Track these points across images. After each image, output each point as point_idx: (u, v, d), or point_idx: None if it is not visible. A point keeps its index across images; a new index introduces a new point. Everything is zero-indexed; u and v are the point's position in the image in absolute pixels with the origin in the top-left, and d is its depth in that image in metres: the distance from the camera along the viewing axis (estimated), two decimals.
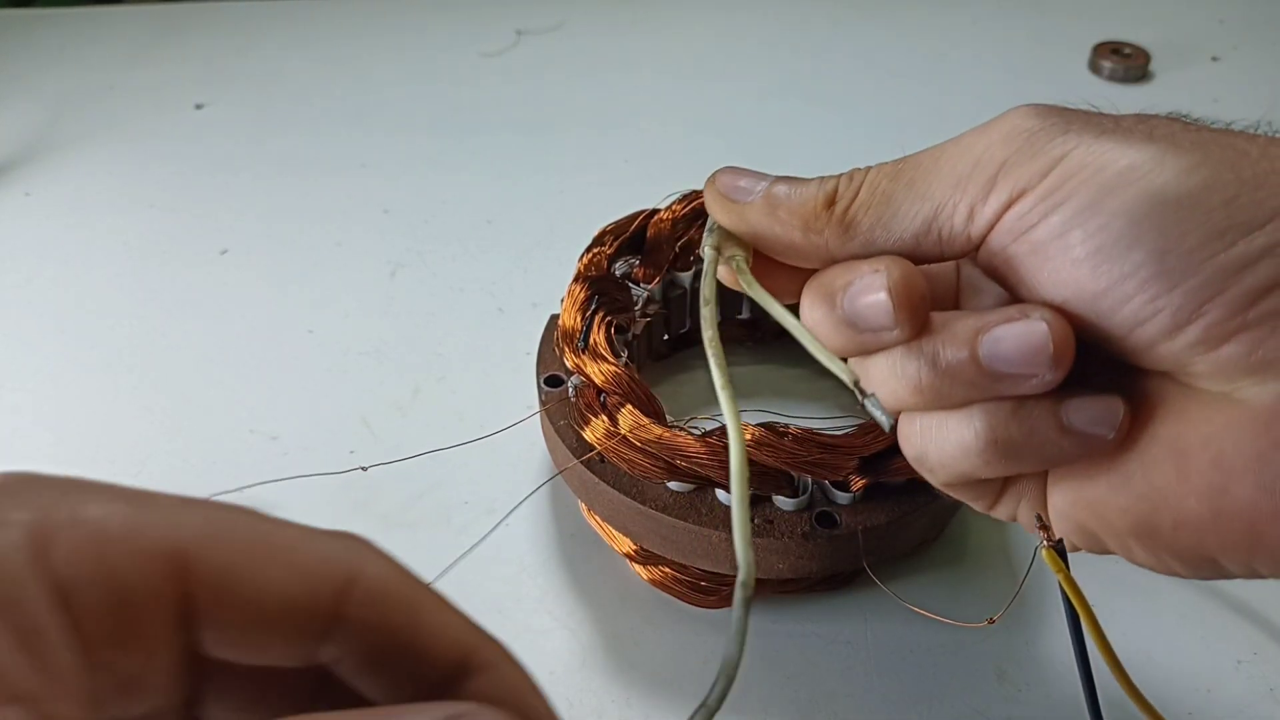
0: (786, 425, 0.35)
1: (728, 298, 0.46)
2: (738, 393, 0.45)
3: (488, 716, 0.16)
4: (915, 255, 0.25)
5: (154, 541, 0.16)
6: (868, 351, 0.25)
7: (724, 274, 0.28)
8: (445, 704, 0.16)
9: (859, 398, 0.24)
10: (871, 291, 0.24)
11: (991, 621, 0.33)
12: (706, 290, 0.27)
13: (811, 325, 0.26)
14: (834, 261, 0.26)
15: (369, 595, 0.18)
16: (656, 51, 0.79)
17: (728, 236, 0.28)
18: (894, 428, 0.25)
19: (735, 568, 0.35)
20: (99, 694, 0.15)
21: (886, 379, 0.25)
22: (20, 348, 0.51)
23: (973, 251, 0.25)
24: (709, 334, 0.25)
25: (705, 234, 0.29)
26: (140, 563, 0.16)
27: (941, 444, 0.25)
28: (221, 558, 0.17)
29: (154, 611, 0.16)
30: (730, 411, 0.24)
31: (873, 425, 0.35)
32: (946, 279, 0.29)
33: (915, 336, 0.24)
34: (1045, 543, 0.26)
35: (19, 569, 0.15)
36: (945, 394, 0.24)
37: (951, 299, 0.29)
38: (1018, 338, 0.23)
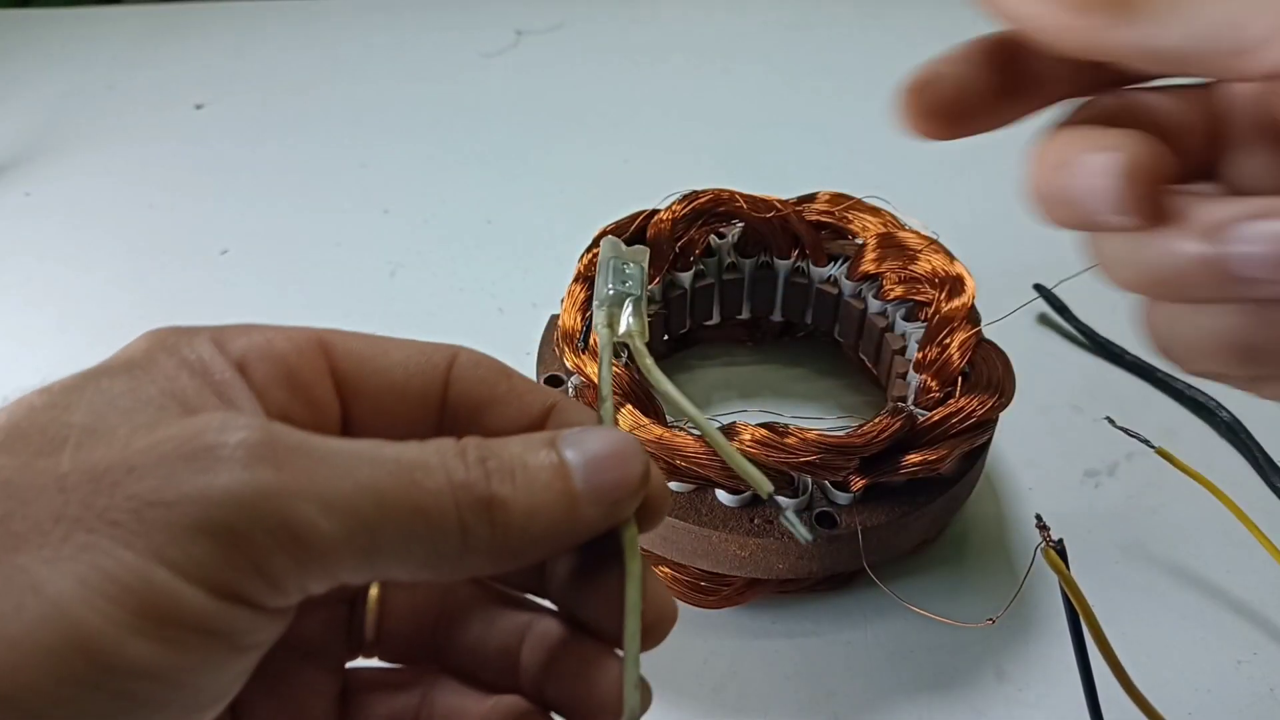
0: (786, 425, 0.35)
1: (728, 296, 0.46)
2: (739, 393, 0.44)
3: (596, 431, 0.21)
4: (1187, 67, 0.20)
5: (301, 333, 0.22)
6: (1093, 229, 0.21)
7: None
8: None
9: (776, 509, 0.23)
10: (1102, 174, 0.19)
11: (992, 622, 0.33)
12: (604, 383, 0.23)
13: (1038, 190, 0.21)
14: (1089, 57, 0.20)
15: (470, 360, 0.23)
16: (656, 52, 0.79)
17: (619, 302, 0.25)
18: (813, 541, 0.24)
19: (735, 568, 0.36)
20: None
21: (1119, 262, 0.21)
22: (19, 348, 0.51)
23: (1263, 81, 0.19)
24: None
25: (595, 306, 0.26)
26: (295, 344, 0.22)
27: (1186, 339, 0.22)
28: (354, 343, 0.22)
29: (313, 375, 0.22)
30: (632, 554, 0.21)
31: (874, 426, 0.35)
32: (1202, 118, 0.23)
33: (1150, 225, 0.20)
34: (1046, 543, 0.26)
35: (209, 351, 0.20)
36: (1187, 291, 0.21)
37: (1201, 145, 0.22)
38: (1271, 241, 0.18)
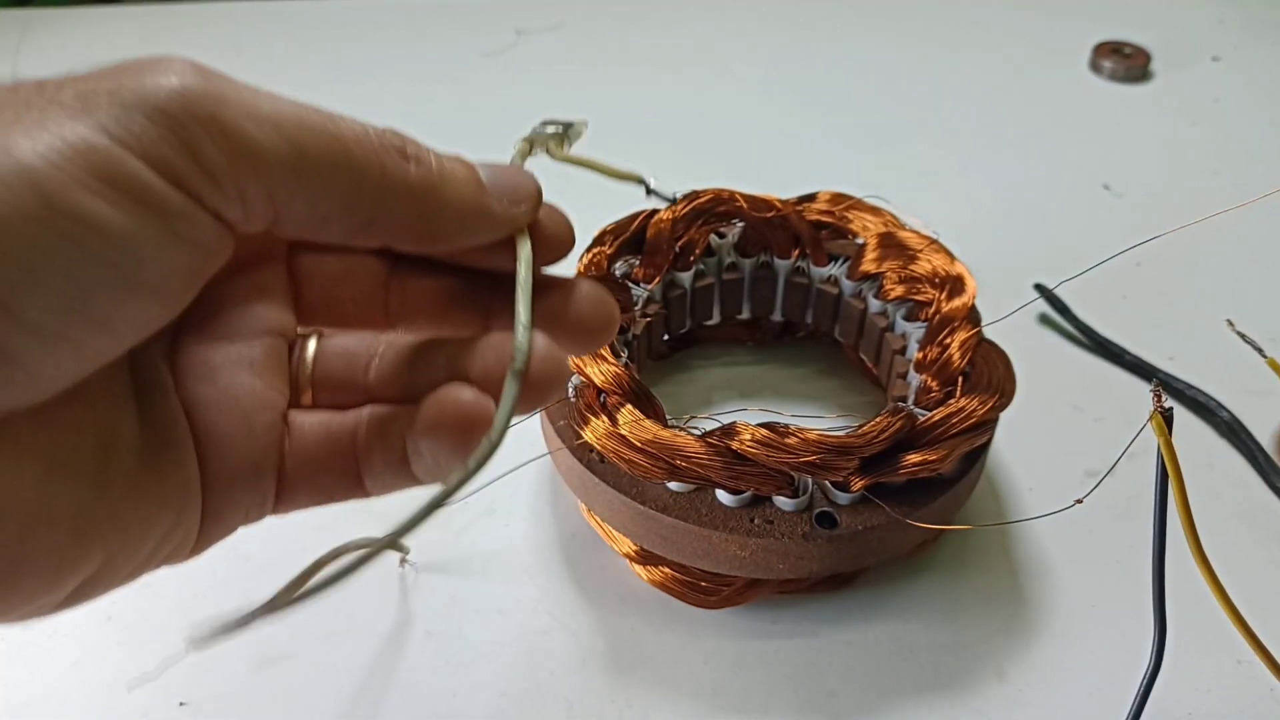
0: (787, 425, 0.35)
1: (728, 296, 0.46)
2: (740, 393, 0.45)
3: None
4: None
5: None
6: None
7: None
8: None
9: (650, 189, 0.27)
10: None
11: (1079, 502, 0.34)
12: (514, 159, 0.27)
13: None
14: None
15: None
16: (656, 51, 0.79)
17: (536, 136, 0.28)
18: (674, 201, 0.27)
19: (735, 568, 0.35)
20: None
21: None
22: None
23: None
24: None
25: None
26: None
27: None
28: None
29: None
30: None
31: (874, 426, 0.35)
32: None
33: None
34: (1157, 409, 0.28)
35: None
36: None
37: None
38: None
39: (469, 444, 0.22)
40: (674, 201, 0.25)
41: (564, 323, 0.24)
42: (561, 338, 0.24)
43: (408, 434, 0.24)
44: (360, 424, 0.25)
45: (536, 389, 0.23)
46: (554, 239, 0.25)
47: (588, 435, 0.36)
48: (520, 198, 0.24)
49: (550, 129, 0.28)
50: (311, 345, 0.26)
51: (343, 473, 0.24)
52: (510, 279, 0.24)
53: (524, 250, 0.24)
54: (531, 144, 0.28)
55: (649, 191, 0.27)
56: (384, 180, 0.21)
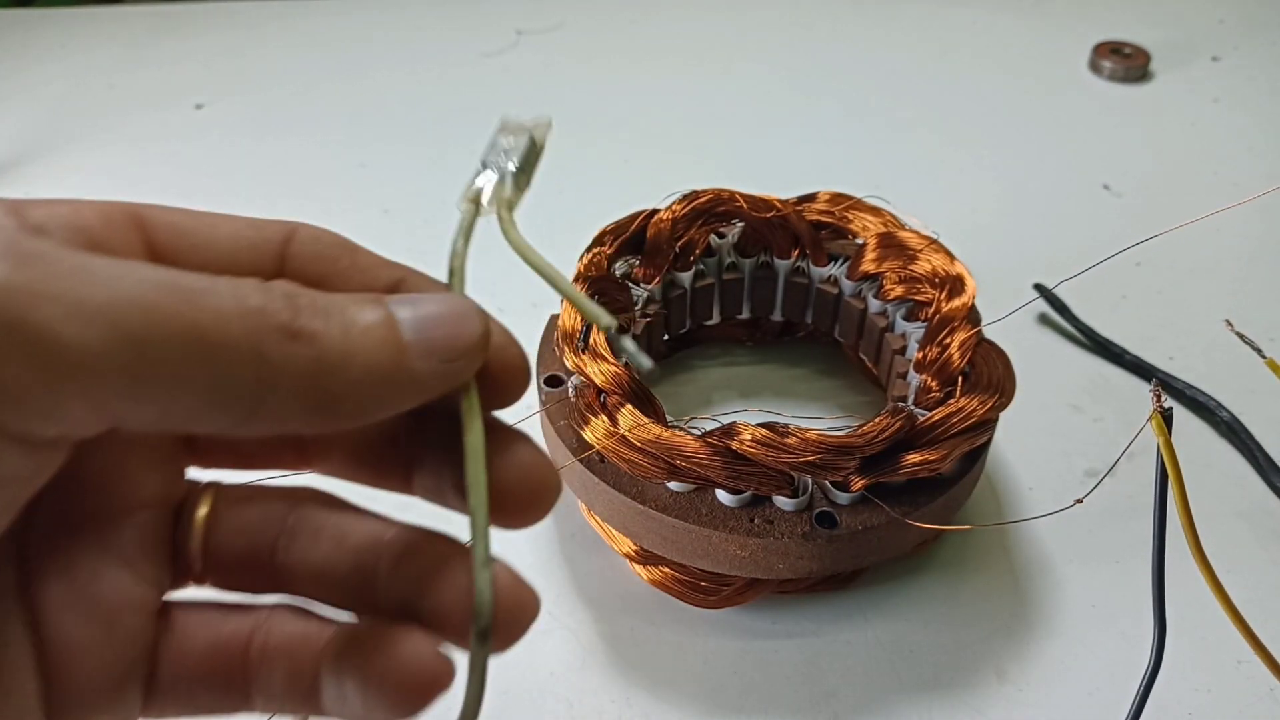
0: (786, 425, 0.35)
1: (728, 296, 0.46)
2: (739, 393, 0.45)
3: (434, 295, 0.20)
4: None
5: (114, 206, 0.19)
6: None
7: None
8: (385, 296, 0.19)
9: (616, 343, 0.22)
10: None
11: (1079, 501, 0.35)
12: (454, 256, 0.22)
13: None
14: None
15: (309, 236, 0.21)
16: (656, 51, 0.79)
17: (488, 180, 0.24)
18: (650, 370, 0.23)
19: (735, 568, 0.35)
20: None
21: None
22: None
23: None
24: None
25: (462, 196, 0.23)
26: (104, 215, 0.19)
27: None
28: (175, 217, 0.20)
29: (122, 248, 0.19)
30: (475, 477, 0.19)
31: (874, 426, 0.35)
32: None
33: None
34: (1157, 409, 0.28)
35: (2, 218, 0.17)
36: None
37: None
38: None
39: (420, 709, 0.19)
40: (650, 368, 0.21)
41: (492, 495, 0.19)
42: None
43: (327, 664, 0.19)
44: (259, 630, 0.20)
45: (501, 637, 0.19)
46: (502, 377, 0.20)
47: (588, 435, 0.36)
48: (457, 352, 0.18)
49: (507, 159, 0.24)
50: (201, 513, 0.21)
51: (227, 688, 0.20)
52: (441, 418, 0.19)
53: (473, 434, 0.19)
54: (478, 205, 0.23)
55: (619, 341, 0.22)
56: (262, 370, 0.16)
